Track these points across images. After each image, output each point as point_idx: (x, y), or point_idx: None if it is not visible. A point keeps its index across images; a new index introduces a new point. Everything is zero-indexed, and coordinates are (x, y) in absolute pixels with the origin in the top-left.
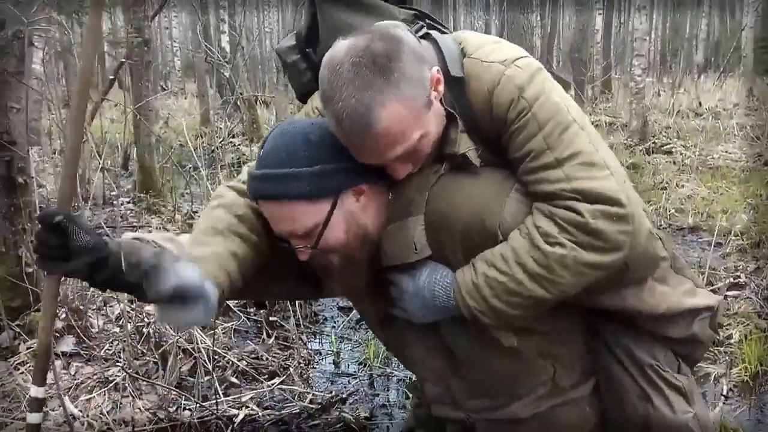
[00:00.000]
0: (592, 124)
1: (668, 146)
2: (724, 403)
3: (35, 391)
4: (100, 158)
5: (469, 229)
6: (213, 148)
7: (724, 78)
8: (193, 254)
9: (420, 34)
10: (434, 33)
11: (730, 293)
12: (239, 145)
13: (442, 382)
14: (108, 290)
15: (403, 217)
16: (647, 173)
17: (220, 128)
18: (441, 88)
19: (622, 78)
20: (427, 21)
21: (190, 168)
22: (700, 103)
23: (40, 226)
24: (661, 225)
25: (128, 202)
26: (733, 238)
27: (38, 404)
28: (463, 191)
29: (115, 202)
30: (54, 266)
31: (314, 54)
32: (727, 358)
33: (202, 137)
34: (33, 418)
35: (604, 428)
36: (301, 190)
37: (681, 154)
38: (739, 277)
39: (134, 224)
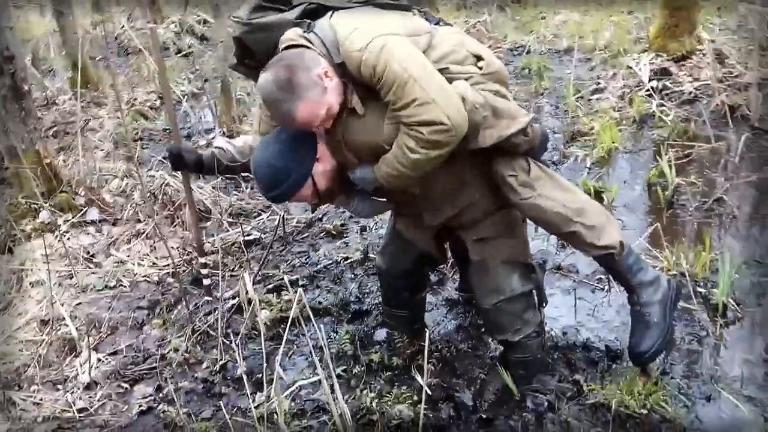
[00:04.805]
0: None
1: None
2: (587, 173)
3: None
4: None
5: (368, 145)
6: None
7: None
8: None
9: (309, 31)
10: (318, 25)
11: (593, 96)
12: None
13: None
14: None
15: (339, 147)
16: (530, 4)
17: None
18: (330, 73)
19: None
20: (312, 4)
21: (99, 58)
22: None
23: (168, 153)
24: (541, 51)
25: (69, 99)
26: (598, 52)
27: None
28: (359, 125)
29: (57, 100)
30: (179, 167)
31: None
32: (591, 143)
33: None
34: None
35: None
36: (294, 189)
37: None
38: (599, 82)
39: (89, 118)
